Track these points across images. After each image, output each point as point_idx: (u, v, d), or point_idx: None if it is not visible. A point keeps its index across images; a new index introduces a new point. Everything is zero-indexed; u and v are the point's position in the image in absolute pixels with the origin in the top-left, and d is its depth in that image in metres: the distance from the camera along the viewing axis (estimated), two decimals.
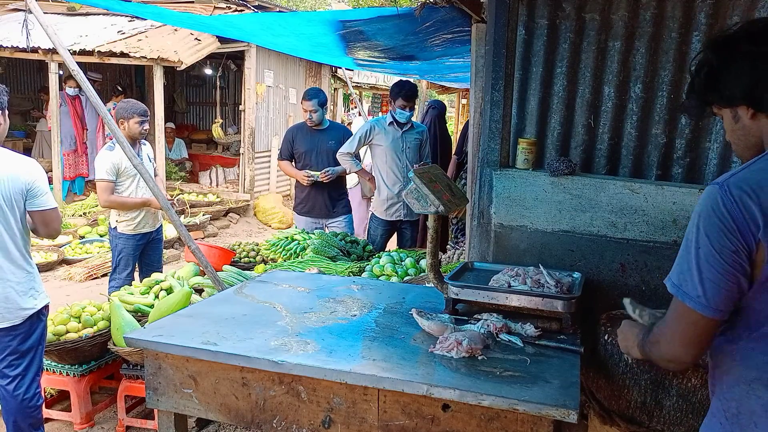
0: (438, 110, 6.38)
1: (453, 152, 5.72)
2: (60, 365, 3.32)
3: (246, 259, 4.45)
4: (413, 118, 5.01)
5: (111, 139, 4.20)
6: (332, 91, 13.17)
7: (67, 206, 8.22)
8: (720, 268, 1.31)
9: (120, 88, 9.38)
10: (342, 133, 5.12)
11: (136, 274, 4.53)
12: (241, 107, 9.80)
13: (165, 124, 9.04)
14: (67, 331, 3.31)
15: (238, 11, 8.12)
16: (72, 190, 9.03)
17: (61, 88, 8.77)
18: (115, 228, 4.31)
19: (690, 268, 1.34)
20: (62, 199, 8.60)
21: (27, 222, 2.74)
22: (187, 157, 10.93)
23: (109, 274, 4.55)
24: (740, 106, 1.40)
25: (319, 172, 4.81)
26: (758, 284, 1.31)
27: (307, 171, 4.86)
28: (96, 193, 9.18)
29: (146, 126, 4.26)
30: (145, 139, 4.41)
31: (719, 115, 1.49)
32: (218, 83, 10.95)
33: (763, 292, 1.31)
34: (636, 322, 1.65)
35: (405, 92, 4.73)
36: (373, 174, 4.91)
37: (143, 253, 4.44)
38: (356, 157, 4.91)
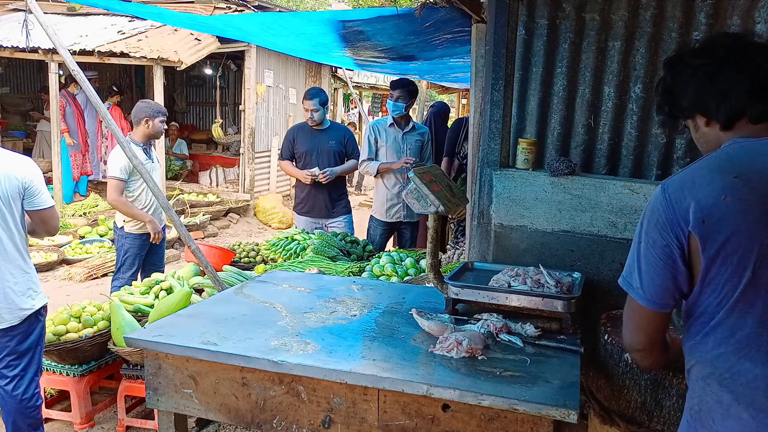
0: (436, 109, 6.37)
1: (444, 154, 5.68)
2: (60, 365, 3.32)
3: (246, 259, 4.44)
4: (414, 118, 5.01)
5: (125, 137, 4.28)
6: (332, 91, 13.17)
7: (67, 206, 8.21)
8: (653, 263, 1.41)
9: (116, 88, 9.36)
10: (343, 133, 5.11)
11: (139, 274, 4.53)
12: (241, 107, 9.80)
13: (170, 123, 9.06)
14: (67, 331, 3.30)
15: (238, 11, 8.12)
16: (76, 190, 9.05)
17: (65, 87, 8.77)
18: (122, 227, 4.30)
19: (633, 262, 1.47)
20: (62, 199, 8.62)
21: (26, 222, 2.75)
22: (187, 155, 10.97)
23: (110, 274, 4.55)
24: (696, 115, 1.50)
25: (319, 173, 4.78)
26: (699, 282, 1.38)
27: (308, 170, 4.84)
28: (96, 192, 9.23)
29: (165, 126, 4.43)
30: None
31: (688, 127, 1.57)
32: (218, 83, 10.95)
33: (704, 288, 1.38)
34: None
35: (391, 82, 4.83)
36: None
37: (147, 253, 4.44)
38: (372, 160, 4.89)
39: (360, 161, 4.90)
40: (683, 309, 1.47)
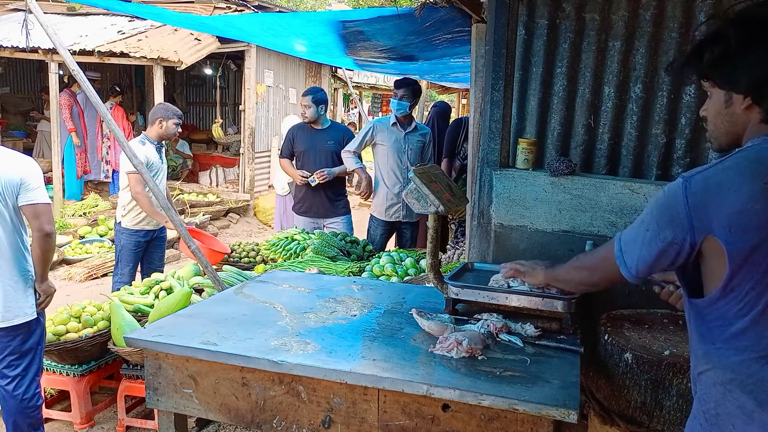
0: (438, 108, 6.36)
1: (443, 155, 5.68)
2: (60, 365, 3.32)
3: (246, 259, 4.45)
4: (416, 118, 5.02)
5: (141, 135, 4.42)
6: (332, 91, 13.17)
7: (67, 206, 8.21)
8: (656, 254, 1.41)
9: (118, 89, 9.37)
10: (342, 133, 5.11)
11: (138, 273, 4.53)
12: (241, 107, 9.80)
13: None
14: (67, 331, 3.31)
15: (238, 11, 8.11)
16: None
17: (68, 87, 8.77)
18: (119, 222, 4.37)
19: (635, 242, 1.46)
20: (70, 197, 8.68)
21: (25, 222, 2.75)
22: (191, 155, 10.98)
23: (110, 274, 4.56)
24: (739, 94, 1.35)
25: (315, 176, 4.79)
26: (720, 288, 1.33)
27: (303, 171, 4.86)
28: (96, 192, 9.21)
29: (180, 129, 4.47)
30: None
31: (709, 91, 1.42)
32: (218, 83, 10.95)
33: (725, 295, 1.33)
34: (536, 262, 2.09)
35: (396, 81, 4.86)
36: (369, 174, 4.92)
37: (146, 252, 4.45)
38: (359, 156, 4.91)
39: (346, 149, 4.86)
40: (693, 311, 1.43)
